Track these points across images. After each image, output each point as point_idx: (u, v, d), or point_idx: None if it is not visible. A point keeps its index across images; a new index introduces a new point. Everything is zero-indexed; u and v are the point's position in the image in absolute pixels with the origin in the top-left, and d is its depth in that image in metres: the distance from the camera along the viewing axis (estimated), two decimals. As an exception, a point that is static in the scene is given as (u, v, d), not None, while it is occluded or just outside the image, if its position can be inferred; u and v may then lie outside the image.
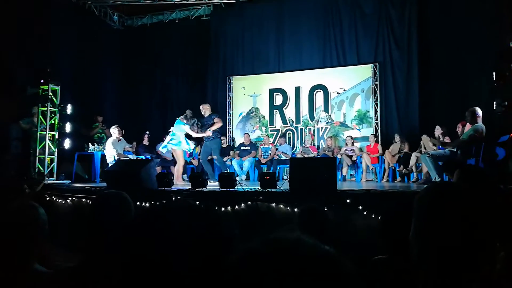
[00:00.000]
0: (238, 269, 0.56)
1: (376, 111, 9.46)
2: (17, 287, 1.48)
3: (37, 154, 7.59)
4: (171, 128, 7.48)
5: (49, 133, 7.72)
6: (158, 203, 0.83)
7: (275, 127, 10.40)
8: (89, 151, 8.28)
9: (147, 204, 5.04)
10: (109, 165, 7.47)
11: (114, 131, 7.96)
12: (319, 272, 0.53)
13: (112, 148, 7.76)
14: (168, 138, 7.44)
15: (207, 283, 0.67)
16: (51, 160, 7.81)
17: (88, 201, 5.74)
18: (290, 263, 0.53)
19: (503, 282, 1.42)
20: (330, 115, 9.93)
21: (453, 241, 1.00)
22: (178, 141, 7.32)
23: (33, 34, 8.32)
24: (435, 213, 1.05)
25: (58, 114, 7.94)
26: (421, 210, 1.08)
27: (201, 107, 7.77)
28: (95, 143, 8.48)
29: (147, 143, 9.64)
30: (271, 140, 9.96)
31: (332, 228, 2.53)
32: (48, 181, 7.18)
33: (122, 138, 8.13)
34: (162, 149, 7.89)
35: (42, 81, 7.69)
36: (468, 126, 5.99)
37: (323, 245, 0.57)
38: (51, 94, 7.77)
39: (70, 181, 7.79)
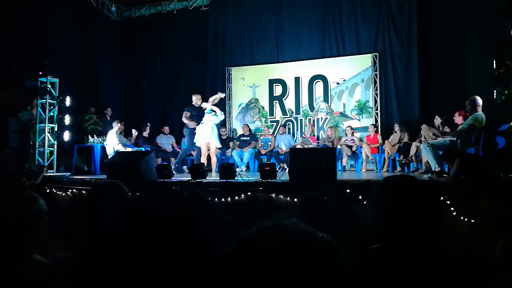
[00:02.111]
0: (235, 255, 0.55)
1: (376, 101, 9.43)
2: (17, 277, 1.48)
3: (37, 146, 7.59)
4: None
5: (48, 126, 7.71)
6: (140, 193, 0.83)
7: (275, 118, 10.38)
8: (89, 144, 8.27)
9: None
10: (109, 157, 7.48)
11: (116, 125, 8.12)
12: (317, 259, 0.53)
13: (115, 138, 7.79)
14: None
15: (202, 268, 0.67)
16: (51, 153, 7.81)
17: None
18: (288, 250, 0.53)
19: (502, 268, 1.42)
20: (330, 106, 9.91)
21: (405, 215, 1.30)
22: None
23: (31, 26, 8.26)
24: (389, 197, 1.38)
25: (57, 107, 7.92)
26: (379, 195, 1.41)
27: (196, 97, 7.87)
28: (89, 135, 8.45)
29: (146, 135, 9.63)
30: (271, 131, 9.95)
31: (332, 217, 2.53)
32: (48, 174, 7.18)
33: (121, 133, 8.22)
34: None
35: (40, 73, 7.66)
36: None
37: (320, 233, 0.57)
38: (49, 86, 7.73)
39: (70, 173, 7.79)
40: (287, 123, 10.17)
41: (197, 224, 0.74)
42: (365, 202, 4.36)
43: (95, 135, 8.46)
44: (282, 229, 0.57)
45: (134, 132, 9.08)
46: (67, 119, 8.36)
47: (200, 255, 0.70)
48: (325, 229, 0.62)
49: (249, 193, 4.94)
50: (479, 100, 5.58)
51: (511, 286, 1.56)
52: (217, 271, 0.56)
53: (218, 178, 5.66)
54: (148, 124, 9.71)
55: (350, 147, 8.56)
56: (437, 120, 7.39)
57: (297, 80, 10.18)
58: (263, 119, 10.46)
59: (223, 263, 0.56)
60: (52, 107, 7.84)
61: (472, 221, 3.83)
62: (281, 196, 4.79)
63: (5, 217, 1.56)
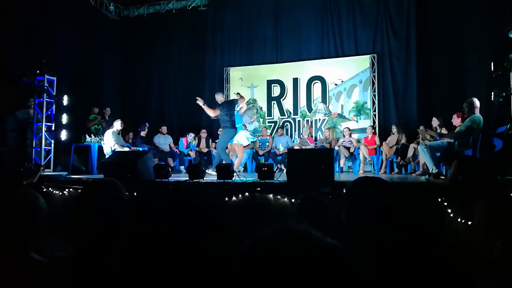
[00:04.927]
0: (250, 256, 0.59)
1: (374, 103, 9.45)
2: (14, 275, 1.47)
3: (34, 145, 7.56)
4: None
5: (45, 124, 7.68)
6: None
7: (272, 118, 10.38)
8: (86, 143, 8.25)
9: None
10: (106, 156, 7.45)
11: (117, 124, 7.99)
12: (325, 262, 0.57)
13: (111, 139, 7.75)
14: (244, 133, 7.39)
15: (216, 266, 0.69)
16: (48, 152, 7.78)
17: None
18: (299, 252, 0.57)
19: (501, 268, 1.42)
20: (328, 107, 9.91)
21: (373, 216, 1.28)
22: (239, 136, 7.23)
23: (30, 24, 8.23)
24: (358, 199, 1.39)
25: (54, 105, 7.90)
26: (349, 197, 1.42)
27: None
28: (92, 135, 8.44)
29: (144, 135, 9.59)
30: (268, 131, 9.94)
31: (331, 217, 2.53)
32: (45, 173, 7.15)
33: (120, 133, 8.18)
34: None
35: (38, 71, 7.63)
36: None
37: (328, 238, 0.61)
38: (47, 85, 7.70)
39: (66, 172, 7.77)
40: (285, 124, 10.17)
41: (198, 208, 0.77)
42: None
43: (92, 135, 8.44)
44: (295, 233, 0.61)
45: (130, 135, 9.11)
46: (64, 118, 8.33)
47: (206, 241, 0.72)
48: (324, 228, 0.65)
49: (246, 193, 4.94)
50: (477, 102, 5.59)
51: (510, 286, 1.57)
52: (234, 269, 0.59)
53: (216, 178, 5.65)
54: (146, 124, 9.69)
55: (348, 148, 8.57)
56: (435, 122, 7.40)
57: (295, 81, 10.18)
58: (261, 120, 10.45)
59: (240, 262, 0.59)
60: (49, 106, 7.81)
61: (470, 223, 3.83)
62: (279, 197, 4.78)
63: (3, 213, 1.55)
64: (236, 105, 7.20)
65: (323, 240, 0.60)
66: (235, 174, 5.68)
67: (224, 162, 6.61)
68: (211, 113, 6.91)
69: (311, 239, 0.60)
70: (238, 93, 7.73)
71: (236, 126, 7.04)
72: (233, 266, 0.60)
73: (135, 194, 4.92)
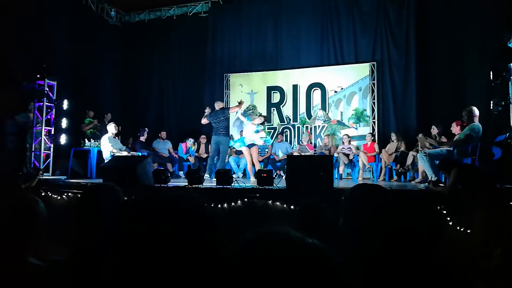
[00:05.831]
0: (235, 257, 0.60)
1: (373, 110, 9.47)
2: (12, 280, 1.46)
3: (33, 149, 7.55)
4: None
5: (45, 129, 7.68)
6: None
7: (272, 125, 10.39)
8: (85, 147, 8.24)
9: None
10: (106, 161, 7.44)
11: (111, 127, 7.91)
12: (304, 261, 0.58)
13: (108, 143, 7.73)
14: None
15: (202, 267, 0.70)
16: (47, 156, 7.77)
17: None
18: (279, 253, 0.58)
19: (500, 276, 1.42)
20: (327, 114, 9.93)
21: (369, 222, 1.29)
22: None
23: (31, 29, 8.24)
24: (356, 205, 1.40)
25: (54, 110, 7.90)
26: (347, 203, 1.43)
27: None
28: (91, 139, 8.42)
29: (144, 140, 9.59)
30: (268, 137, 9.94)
31: (331, 224, 2.53)
32: (44, 177, 7.14)
33: (117, 137, 8.12)
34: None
35: (38, 76, 7.64)
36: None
37: (309, 238, 0.62)
38: (47, 89, 7.72)
39: (65, 176, 7.76)
40: (285, 130, 10.18)
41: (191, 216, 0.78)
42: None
43: (92, 139, 8.42)
44: (276, 235, 0.62)
45: (130, 140, 9.07)
46: (64, 122, 8.33)
47: (198, 252, 0.73)
48: (324, 234, 0.65)
49: (245, 199, 4.93)
50: (476, 111, 5.61)
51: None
52: (220, 272, 0.60)
53: (215, 184, 5.65)
54: (146, 129, 9.69)
55: (347, 155, 8.57)
56: (434, 130, 7.42)
57: (295, 87, 10.21)
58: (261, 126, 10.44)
59: (226, 264, 0.60)
60: (49, 110, 7.82)
61: (469, 231, 3.83)
62: (278, 203, 4.78)
63: (3, 217, 1.54)
64: (227, 113, 7.78)
65: (304, 241, 0.61)
66: (234, 180, 5.68)
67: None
68: (202, 121, 7.91)
69: (291, 240, 0.60)
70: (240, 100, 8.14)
71: (224, 133, 7.60)
72: (215, 270, 0.61)
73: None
